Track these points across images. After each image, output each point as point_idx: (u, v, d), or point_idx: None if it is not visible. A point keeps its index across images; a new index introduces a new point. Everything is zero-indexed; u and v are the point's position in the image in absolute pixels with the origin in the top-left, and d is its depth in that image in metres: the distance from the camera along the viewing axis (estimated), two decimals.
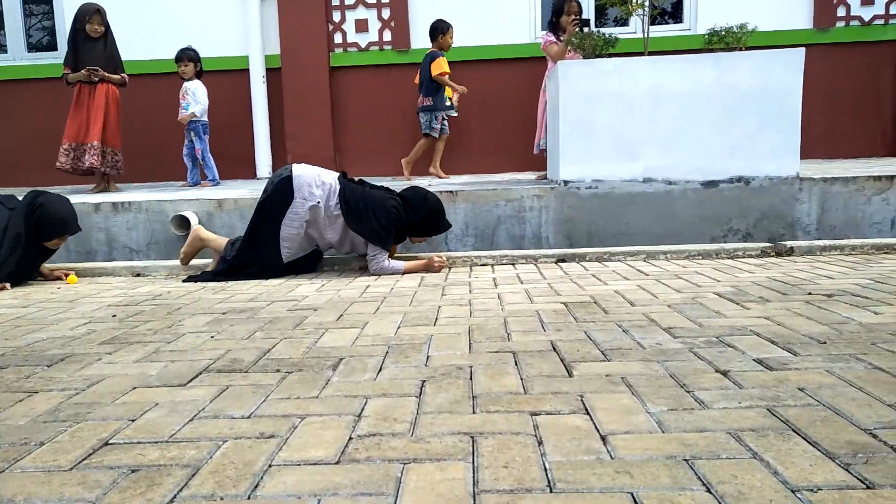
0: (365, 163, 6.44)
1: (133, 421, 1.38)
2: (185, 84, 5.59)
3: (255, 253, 3.37)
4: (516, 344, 1.88)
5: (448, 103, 5.57)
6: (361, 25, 6.38)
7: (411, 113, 6.17)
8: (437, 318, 2.25)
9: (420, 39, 6.25)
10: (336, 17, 6.39)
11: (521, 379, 1.57)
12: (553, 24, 5.17)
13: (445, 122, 5.68)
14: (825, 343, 1.79)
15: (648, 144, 4.06)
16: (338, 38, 6.43)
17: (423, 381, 1.58)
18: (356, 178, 3.54)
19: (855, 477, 1.04)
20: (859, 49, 5.95)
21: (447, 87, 5.50)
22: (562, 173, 4.13)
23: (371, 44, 6.41)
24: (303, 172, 3.37)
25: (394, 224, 3.33)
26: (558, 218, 4.15)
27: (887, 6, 5.83)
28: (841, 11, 5.90)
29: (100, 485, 1.09)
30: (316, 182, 3.33)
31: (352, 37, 6.43)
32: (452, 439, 1.23)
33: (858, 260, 3.31)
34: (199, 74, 5.65)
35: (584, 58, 4.25)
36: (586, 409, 1.36)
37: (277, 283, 3.22)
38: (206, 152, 5.64)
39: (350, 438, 1.25)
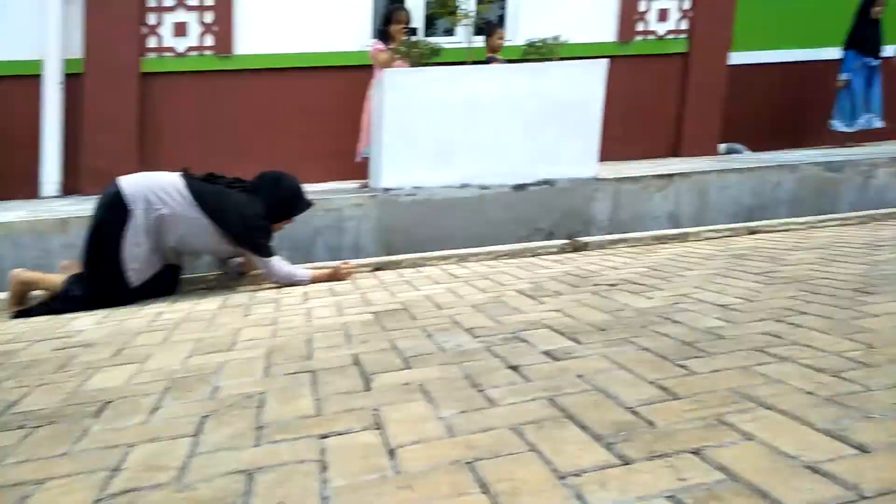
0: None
1: None
2: None
3: (100, 285, 3.03)
4: (317, 362, 1.85)
5: None
6: (180, 29, 5.97)
7: (236, 121, 5.92)
8: (234, 343, 2.15)
9: (245, 44, 6.00)
10: (152, 19, 5.92)
11: (317, 400, 1.54)
12: (382, 32, 5.20)
13: None
14: (605, 330, 1.96)
15: (466, 151, 4.21)
16: (152, 42, 5.96)
17: (205, 417, 1.48)
18: (200, 174, 3.25)
19: (615, 455, 1.13)
20: (654, 60, 6.65)
21: None
22: (383, 181, 4.16)
23: (191, 48, 6.03)
24: (133, 181, 3.07)
25: (263, 220, 3.14)
26: (378, 226, 4.18)
27: (678, 22, 6.58)
28: (640, 26, 6.57)
29: None
30: (154, 189, 3.03)
31: (169, 41, 5.99)
32: (224, 481, 1.15)
33: (640, 251, 3.67)
34: None
35: (411, 66, 4.32)
36: (378, 424, 1.36)
37: (45, 318, 2.89)
38: None
39: (98, 501, 1.11)
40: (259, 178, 3.33)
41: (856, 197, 4.61)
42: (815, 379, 1.40)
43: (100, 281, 3.05)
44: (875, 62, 6.65)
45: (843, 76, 7.00)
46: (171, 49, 6.00)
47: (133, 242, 3.03)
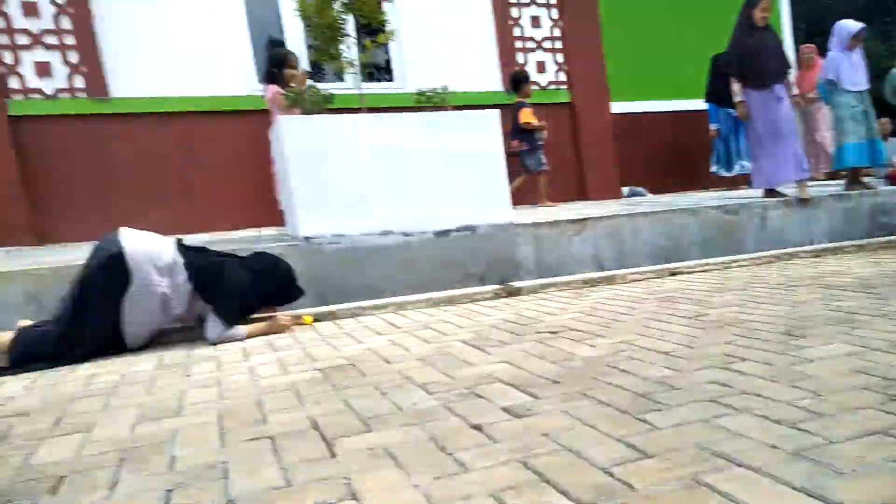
0: (68, 224, 5.69)
1: None
2: None
3: (87, 344, 2.86)
4: (274, 426, 1.76)
5: (540, 141, 6.47)
6: (43, 69, 5.66)
7: (128, 167, 5.67)
8: (181, 407, 2.02)
9: (122, 87, 5.78)
10: (7, 57, 5.58)
11: (282, 469, 1.46)
12: (273, 75, 5.11)
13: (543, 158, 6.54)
14: (558, 382, 1.97)
15: (380, 199, 4.18)
16: (14, 83, 5.61)
17: (170, 491, 1.38)
18: (195, 246, 3.18)
19: None
20: (545, 109, 6.90)
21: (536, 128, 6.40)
22: (301, 230, 4.06)
23: (60, 90, 5.73)
24: (136, 248, 2.91)
25: (240, 296, 3.09)
26: (307, 276, 4.06)
27: (556, 73, 6.92)
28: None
29: None
30: (156, 262, 2.92)
31: (33, 82, 5.66)
32: None
33: (572, 294, 3.76)
34: None
35: (304, 113, 4.25)
36: (354, 495, 1.30)
37: None
38: None
39: None
40: (256, 257, 3.31)
41: (756, 237, 4.93)
42: (776, 431, 1.45)
43: (88, 339, 2.86)
44: (735, 112, 7.23)
45: (713, 126, 7.55)
46: (38, 91, 5.69)
47: (139, 311, 2.93)
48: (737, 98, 5.35)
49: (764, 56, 5.10)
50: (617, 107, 7.96)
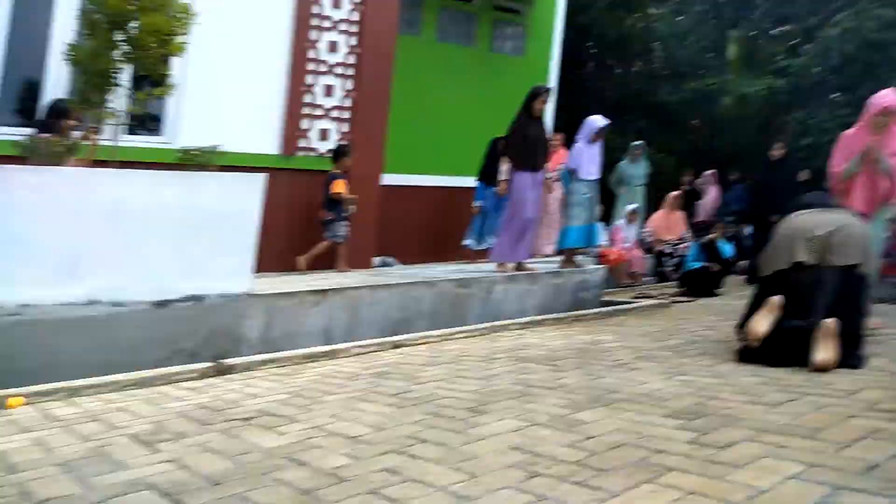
0: None
1: None
2: None
3: None
4: None
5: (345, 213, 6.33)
6: None
7: None
8: None
9: None
10: None
11: None
12: (49, 126, 4.41)
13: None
14: (220, 484, 1.75)
15: (100, 263, 3.68)
16: None
17: None
18: None
19: None
20: (318, 176, 6.82)
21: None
22: None
23: None
24: None
25: None
26: None
27: (337, 143, 6.94)
28: (302, 143, 6.72)
29: None
30: None
31: None
32: None
33: (288, 371, 3.57)
34: None
35: (39, 163, 3.68)
36: None
37: None
38: None
39: None
40: None
41: (481, 310, 5.24)
42: None
43: None
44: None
45: (477, 203, 8.15)
46: None
47: None
48: (503, 176, 5.86)
49: (539, 144, 5.66)
50: (391, 178, 8.08)
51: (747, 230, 9.17)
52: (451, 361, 3.57)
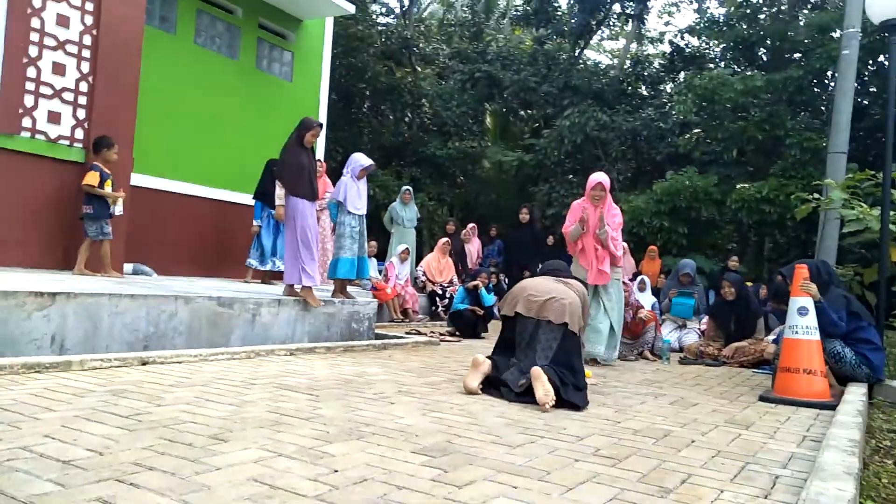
0: None
1: None
2: None
3: None
4: None
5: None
6: None
7: None
8: None
9: None
10: None
11: None
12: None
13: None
14: None
15: None
16: None
17: None
18: None
19: None
20: (48, 163, 5.97)
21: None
22: None
23: None
24: None
25: None
26: None
27: (72, 129, 6.11)
28: (27, 122, 5.83)
29: None
30: None
31: None
32: None
33: (5, 382, 3.03)
34: None
35: None
36: None
37: None
38: None
39: None
40: None
41: (245, 331, 4.96)
42: None
43: None
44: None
45: (256, 223, 7.84)
46: None
47: None
48: (279, 202, 5.73)
49: (311, 174, 5.50)
50: (146, 180, 7.42)
51: (506, 280, 10.01)
52: (203, 384, 3.30)
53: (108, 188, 5.92)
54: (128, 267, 6.83)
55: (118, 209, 6.03)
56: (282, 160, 5.56)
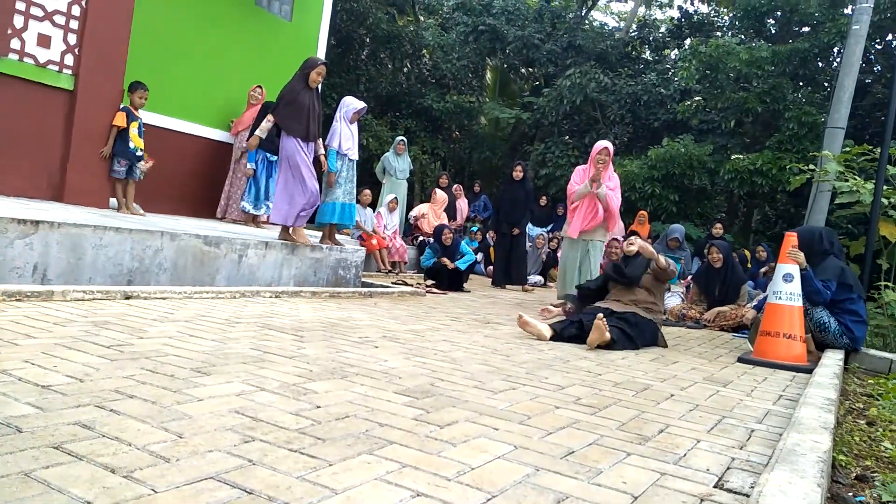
0: None
1: None
2: None
3: None
4: None
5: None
6: None
7: None
8: None
9: None
10: None
11: None
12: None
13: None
14: None
15: None
16: None
17: None
18: None
19: None
20: (34, 89, 5.80)
21: None
22: None
23: None
24: None
25: None
26: None
27: (62, 55, 5.91)
28: (16, 44, 5.64)
29: None
30: None
31: None
32: None
33: None
34: None
35: None
36: None
37: None
38: None
39: None
40: None
41: (231, 272, 4.92)
42: (103, 482, 1.21)
43: None
44: (274, 157, 7.54)
45: (250, 165, 7.72)
46: None
47: None
48: (259, 132, 5.56)
49: (312, 115, 5.38)
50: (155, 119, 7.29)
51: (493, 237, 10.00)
52: (187, 320, 3.29)
53: (133, 129, 6.13)
54: (112, 201, 6.74)
55: (139, 172, 6.23)
56: (280, 96, 5.44)
